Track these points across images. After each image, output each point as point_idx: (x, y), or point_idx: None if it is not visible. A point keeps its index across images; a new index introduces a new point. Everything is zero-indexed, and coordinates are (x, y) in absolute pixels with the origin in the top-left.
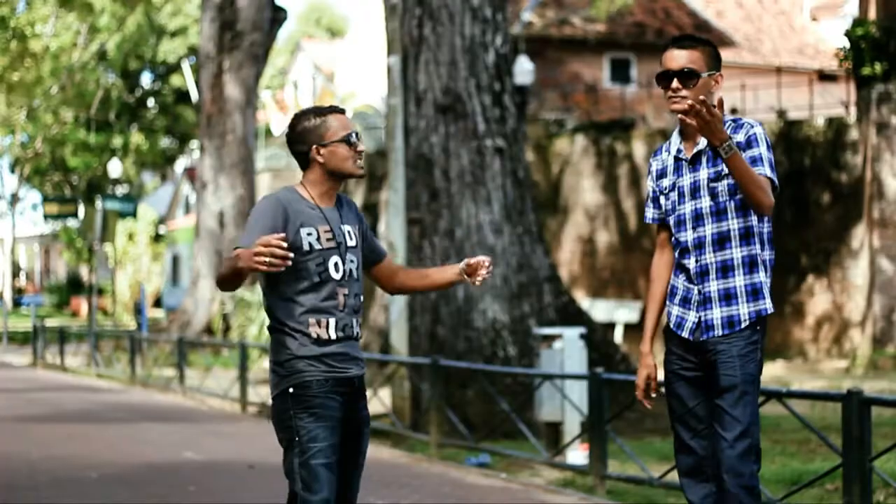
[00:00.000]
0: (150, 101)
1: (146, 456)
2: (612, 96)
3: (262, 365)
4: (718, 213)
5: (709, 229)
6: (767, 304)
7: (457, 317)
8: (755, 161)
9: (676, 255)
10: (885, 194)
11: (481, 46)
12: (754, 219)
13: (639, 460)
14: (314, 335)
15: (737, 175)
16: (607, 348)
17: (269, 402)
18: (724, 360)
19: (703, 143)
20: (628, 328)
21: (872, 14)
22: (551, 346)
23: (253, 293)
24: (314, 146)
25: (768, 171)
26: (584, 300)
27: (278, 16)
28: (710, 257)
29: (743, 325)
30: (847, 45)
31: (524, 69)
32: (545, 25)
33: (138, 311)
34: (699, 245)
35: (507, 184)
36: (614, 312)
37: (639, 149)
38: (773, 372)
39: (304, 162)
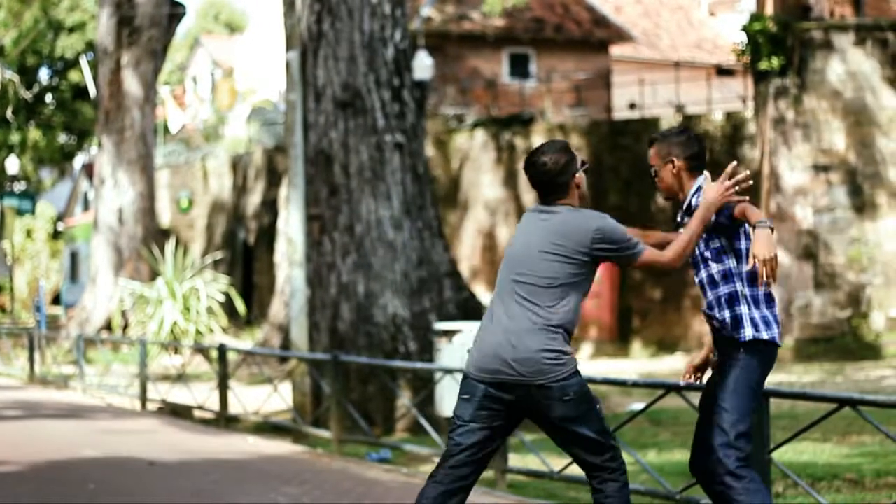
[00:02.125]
0: (48, 97)
1: (45, 453)
2: (512, 91)
3: (161, 361)
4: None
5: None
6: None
7: (357, 312)
8: None
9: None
10: (782, 188)
11: (380, 42)
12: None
13: (539, 454)
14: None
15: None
16: None
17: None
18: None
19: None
20: None
21: (769, 9)
22: (451, 341)
23: (152, 289)
24: (573, 174)
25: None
26: (484, 295)
27: (177, 11)
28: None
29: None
30: (744, 40)
31: (423, 64)
32: (444, 21)
33: (37, 308)
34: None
35: (407, 179)
36: None
37: (539, 143)
38: (672, 365)
39: (565, 189)
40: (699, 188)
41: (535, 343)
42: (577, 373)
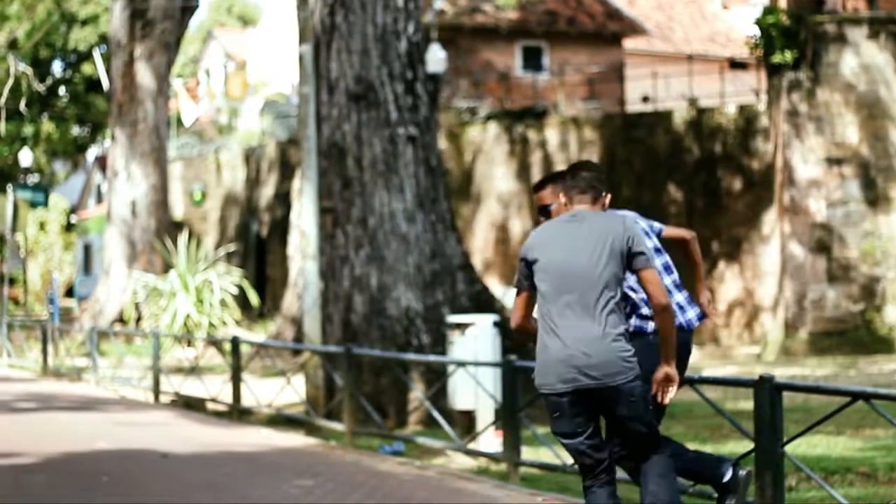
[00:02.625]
0: (62, 90)
1: (59, 446)
2: (525, 84)
3: (175, 354)
4: None
5: None
6: None
7: (370, 305)
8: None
9: None
10: (795, 181)
11: (393, 35)
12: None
13: (552, 447)
14: None
15: None
16: (520, 336)
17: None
18: None
19: None
20: None
21: (783, 2)
22: (464, 334)
23: (165, 282)
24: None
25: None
26: (497, 288)
27: (189, 4)
28: None
29: None
30: (758, 33)
31: (436, 57)
32: (457, 14)
33: (50, 300)
34: None
35: (420, 172)
36: None
37: (551, 136)
38: None
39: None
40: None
41: (609, 348)
42: (639, 376)
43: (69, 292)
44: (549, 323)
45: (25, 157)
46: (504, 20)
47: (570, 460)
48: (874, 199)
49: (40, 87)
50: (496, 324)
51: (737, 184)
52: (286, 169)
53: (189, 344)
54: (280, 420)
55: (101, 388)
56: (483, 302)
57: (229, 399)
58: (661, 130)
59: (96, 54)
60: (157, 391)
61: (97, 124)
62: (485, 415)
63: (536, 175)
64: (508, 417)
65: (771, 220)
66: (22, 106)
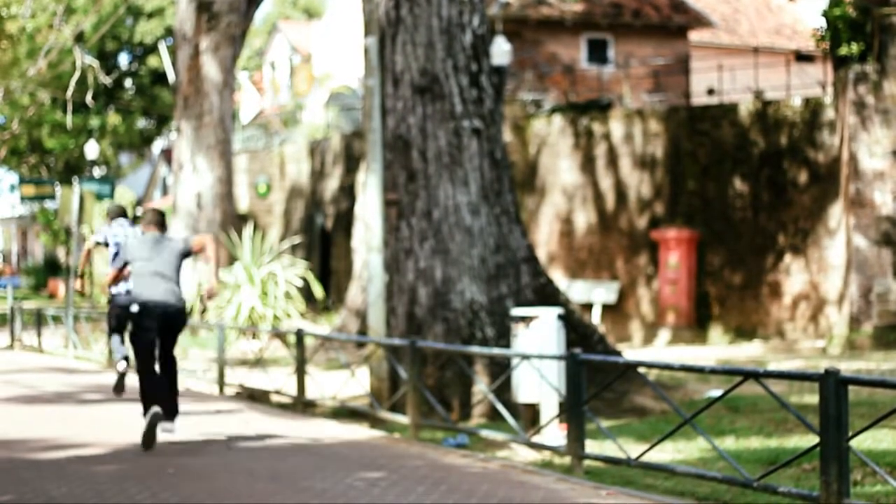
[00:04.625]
0: (128, 83)
1: (124, 437)
2: (590, 76)
3: (239, 346)
4: None
5: None
6: None
7: (434, 298)
8: None
9: None
10: (861, 174)
11: (458, 27)
12: None
13: (616, 440)
14: None
15: None
16: (585, 329)
17: (246, 383)
18: None
19: None
20: (606, 308)
21: None
22: (529, 327)
23: (230, 274)
24: None
25: None
26: (561, 280)
27: None
28: None
29: None
30: (824, 25)
31: (501, 50)
32: (522, 6)
33: None
34: None
35: (485, 164)
36: (592, 292)
37: (616, 129)
38: (750, 352)
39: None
40: None
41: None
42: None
43: None
44: (144, 279)
45: (92, 149)
46: (569, 13)
47: (634, 454)
48: None
49: (107, 80)
50: (560, 316)
51: (803, 177)
52: (351, 161)
53: (254, 336)
54: (344, 412)
55: None
56: (547, 294)
57: (294, 391)
58: (726, 123)
59: (162, 47)
60: (221, 383)
61: (163, 117)
62: (549, 408)
63: (601, 168)
64: (572, 410)
65: (837, 214)
66: (88, 99)
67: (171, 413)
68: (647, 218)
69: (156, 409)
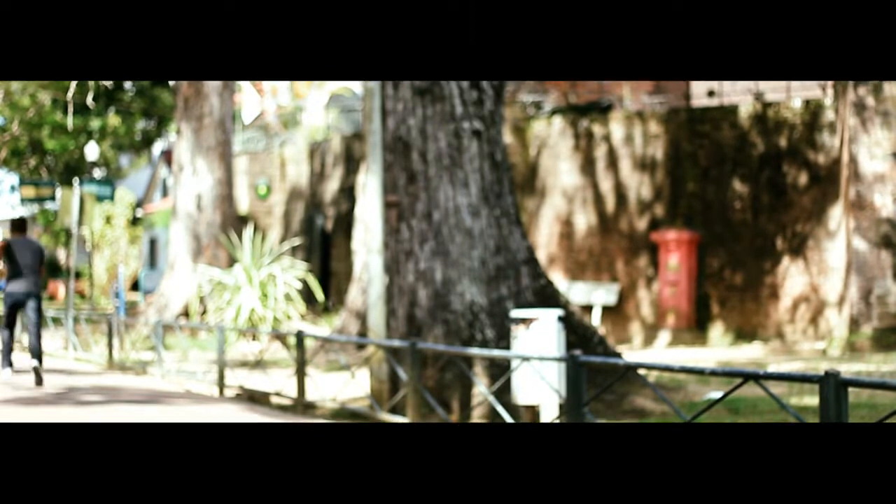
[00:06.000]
0: (128, 84)
1: None
2: None
3: (239, 348)
4: None
5: None
6: None
7: (434, 300)
8: None
9: None
10: (861, 176)
11: None
12: None
13: None
14: None
15: None
16: (585, 330)
17: (246, 384)
18: None
19: None
20: (606, 310)
21: None
22: (529, 329)
23: (230, 276)
24: None
25: None
26: (561, 282)
27: None
28: None
29: None
30: None
31: None
32: None
33: (116, 294)
34: None
35: (485, 166)
36: (592, 294)
37: (616, 131)
38: (750, 354)
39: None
40: None
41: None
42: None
43: (135, 286)
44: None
45: (92, 151)
46: None
47: None
48: None
49: (107, 82)
50: (560, 318)
51: (802, 178)
52: (351, 163)
53: (254, 338)
54: (344, 414)
55: (167, 381)
56: (547, 296)
57: (294, 393)
58: (726, 125)
59: None
60: (221, 385)
61: (163, 118)
62: (548, 409)
63: (601, 170)
64: (572, 412)
65: (837, 216)
66: (89, 100)
67: None
68: (647, 220)
69: None
